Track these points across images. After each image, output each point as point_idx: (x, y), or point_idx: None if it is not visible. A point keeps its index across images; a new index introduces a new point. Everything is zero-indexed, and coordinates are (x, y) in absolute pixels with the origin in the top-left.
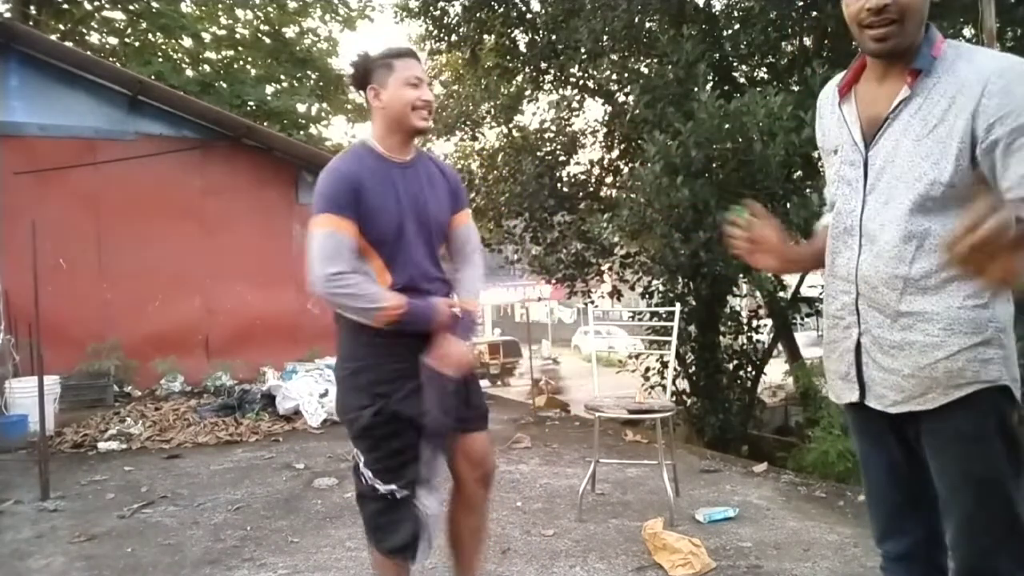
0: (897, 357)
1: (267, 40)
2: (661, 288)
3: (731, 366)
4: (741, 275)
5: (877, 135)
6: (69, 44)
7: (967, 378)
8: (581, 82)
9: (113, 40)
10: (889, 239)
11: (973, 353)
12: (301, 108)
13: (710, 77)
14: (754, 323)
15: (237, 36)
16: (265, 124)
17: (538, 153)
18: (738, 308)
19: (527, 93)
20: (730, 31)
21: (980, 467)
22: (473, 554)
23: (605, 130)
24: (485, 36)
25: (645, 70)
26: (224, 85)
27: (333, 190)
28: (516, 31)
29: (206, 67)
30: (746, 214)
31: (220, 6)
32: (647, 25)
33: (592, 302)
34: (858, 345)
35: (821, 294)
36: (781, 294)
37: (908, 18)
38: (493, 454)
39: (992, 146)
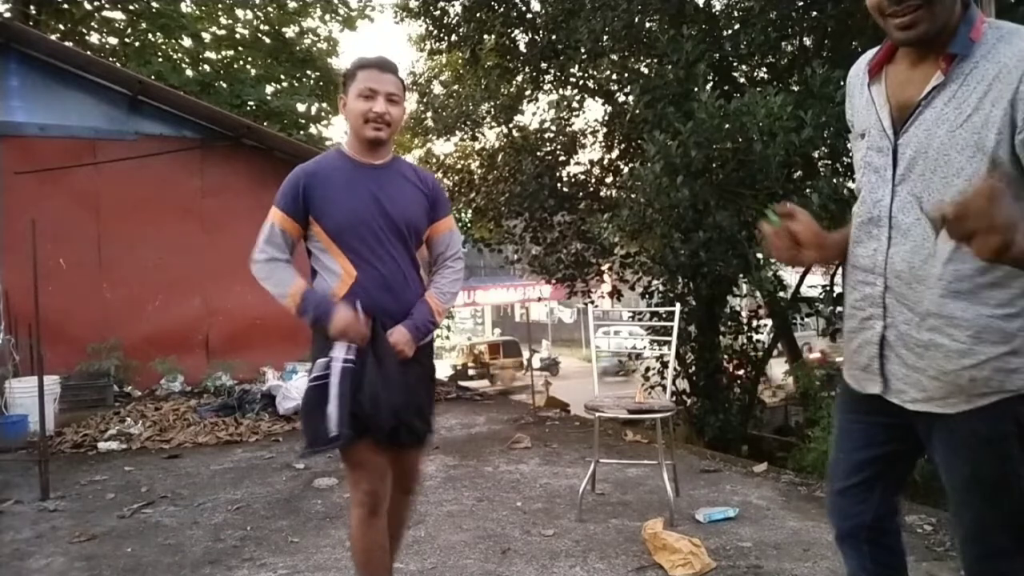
0: (923, 357)
1: (267, 40)
2: (661, 288)
3: (731, 366)
4: (741, 275)
5: (908, 122)
6: (69, 44)
7: (992, 387)
8: (581, 82)
9: (113, 40)
10: (926, 236)
11: (1000, 363)
12: (301, 108)
13: (710, 77)
14: (754, 323)
15: (237, 36)
16: (265, 124)
17: (538, 153)
18: (738, 308)
19: (527, 93)
20: (730, 31)
21: (994, 469)
22: (397, 537)
23: (605, 130)
24: (485, 36)
25: (645, 70)
26: (224, 85)
27: (284, 187)
28: (516, 31)
29: (206, 67)
30: (776, 218)
31: (220, 6)
32: (647, 25)
33: (592, 302)
34: (882, 339)
35: (821, 294)
36: (781, 294)
37: (935, 2)
38: (420, 469)
39: None
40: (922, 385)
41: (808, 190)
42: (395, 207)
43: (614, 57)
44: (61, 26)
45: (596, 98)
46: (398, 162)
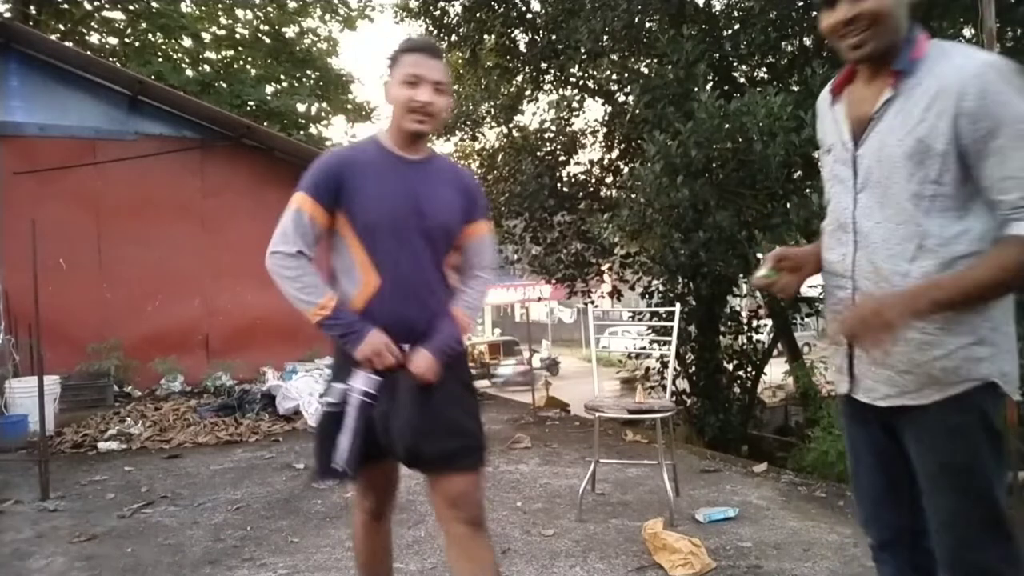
0: (893, 354)
1: (267, 40)
2: (661, 288)
3: (731, 366)
4: (741, 275)
5: (864, 134)
6: (69, 44)
7: (961, 376)
8: (581, 82)
9: (113, 40)
10: (886, 237)
11: (968, 352)
12: (301, 108)
13: (710, 77)
14: (754, 323)
15: (237, 36)
16: (265, 124)
17: (538, 153)
18: (738, 308)
19: (527, 93)
20: (730, 31)
21: (962, 458)
22: None
23: (605, 130)
24: (485, 36)
25: (645, 70)
26: (224, 85)
27: (315, 171)
28: (516, 31)
29: (206, 67)
30: (773, 272)
31: (220, 6)
32: (647, 25)
33: (592, 302)
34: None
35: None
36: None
37: (880, 22)
38: (477, 496)
39: (971, 146)
40: (894, 380)
41: (808, 190)
42: (431, 208)
43: (614, 57)
44: (61, 26)
45: (596, 98)
46: (437, 158)
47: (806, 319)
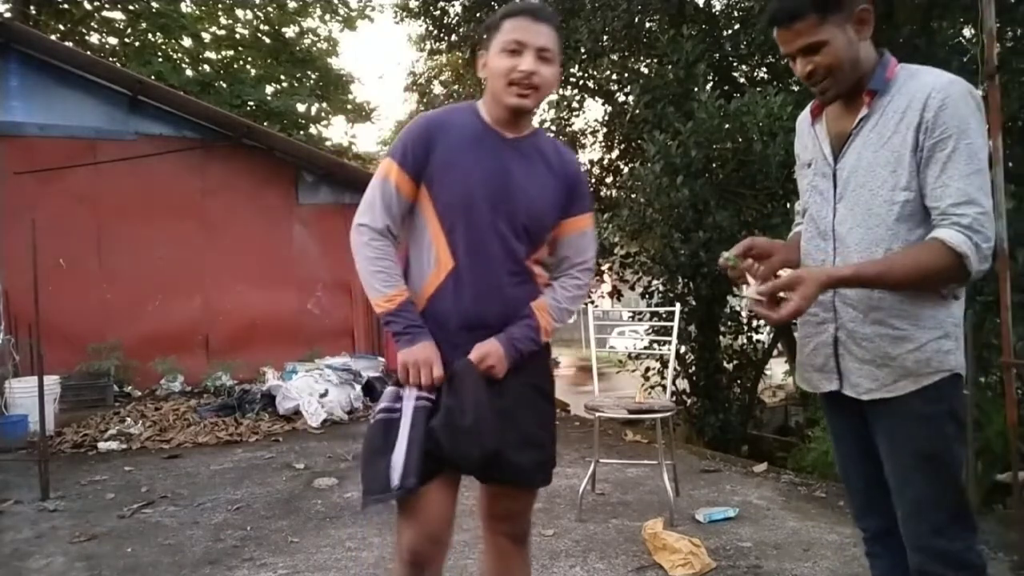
0: (868, 349)
1: (267, 40)
2: (661, 288)
3: (731, 366)
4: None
5: (843, 149)
6: (69, 44)
7: (932, 367)
8: (581, 82)
9: (113, 40)
10: (859, 241)
11: (937, 345)
12: (301, 108)
13: (710, 77)
14: (754, 323)
15: (237, 36)
16: (265, 124)
17: None
18: (738, 308)
19: None
20: (730, 31)
21: (932, 447)
22: None
23: (605, 130)
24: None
25: (645, 70)
26: (224, 85)
27: (405, 136)
28: None
29: (206, 67)
30: (733, 258)
31: (220, 6)
32: (647, 25)
33: (592, 302)
34: (835, 339)
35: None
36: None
37: (836, 71)
38: (531, 512)
39: (924, 153)
40: (874, 375)
41: None
42: (524, 194)
43: (614, 57)
44: (61, 26)
45: (596, 98)
46: (539, 137)
47: None
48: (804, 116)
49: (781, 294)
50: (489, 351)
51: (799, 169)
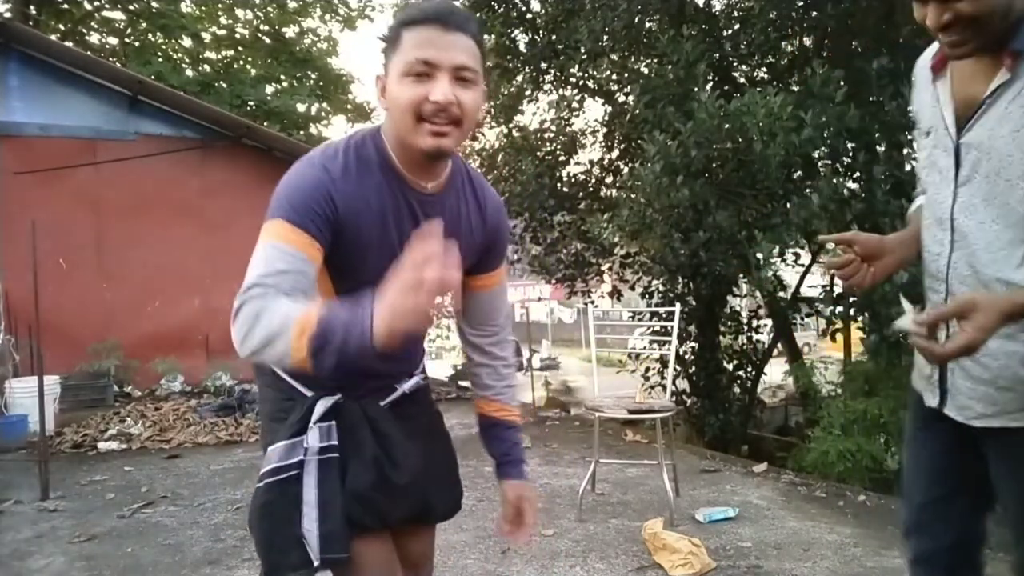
0: (989, 367)
1: (267, 40)
2: (661, 288)
3: (731, 366)
4: (741, 275)
5: (972, 120)
6: (69, 44)
7: None
8: (581, 82)
9: (113, 40)
10: (990, 240)
11: None
12: (301, 108)
13: (710, 77)
14: (754, 323)
15: (237, 36)
16: (265, 124)
17: (538, 153)
18: (738, 308)
19: (527, 93)
20: (730, 31)
21: None
22: None
23: (605, 130)
24: (485, 36)
25: (645, 70)
26: (224, 85)
27: (302, 196)
28: (516, 31)
29: (206, 67)
30: (837, 249)
31: (220, 6)
32: (647, 25)
33: (592, 302)
34: None
35: (821, 294)
36: (781, 294)
37: (979, 23)
38: (432, 556)
39: None
40: (993, 398)
41: (808, 190)
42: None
43: (614, 57)
44: (61, 26)
45: (596, 98)
46: (457, 183)
47: (806, 319)
48: (923, 66)
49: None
50: (531, 497)
51: (918, 137)
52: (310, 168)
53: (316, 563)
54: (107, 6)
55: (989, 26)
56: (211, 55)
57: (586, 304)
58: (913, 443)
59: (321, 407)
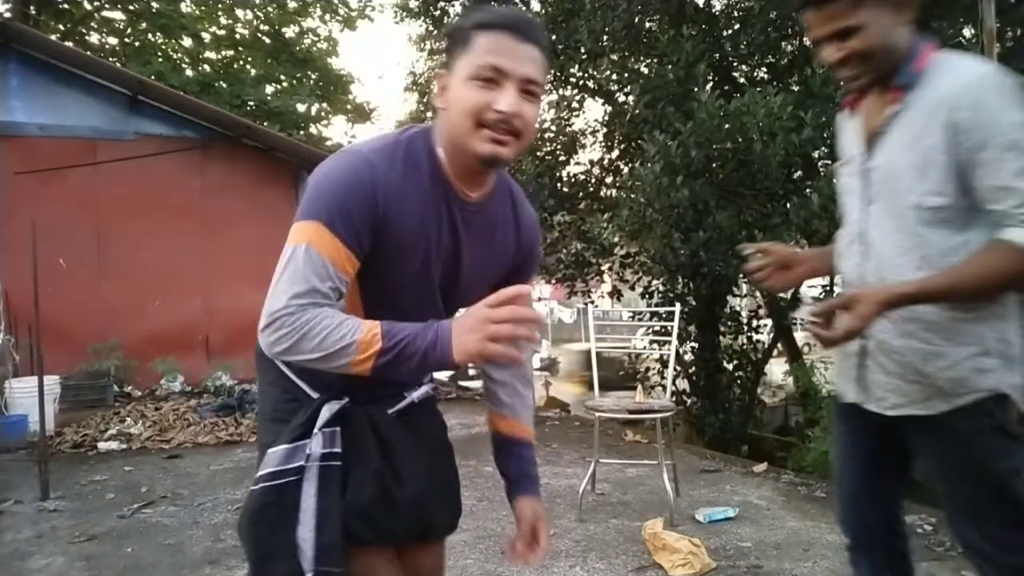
0: (899, 363)
1: (267, 40)
2: (661, 288)
3: (731, 366)
4: (741, 275)
5: (875, 147)
6: (69, 44)
7: (968, 387)
8: (581, 82)
9: (113, 40)
10: (891, 249)
11: (973, 363)
12: (301, 108)
13: (710, 77)
14: (754, 323)
15: (237, 36)
16: (265, 124)
17: (538, 153)
18: (738, 308)
19: None
20: (730, 31)
21: (977, 457)
22: None
23: (605, 130)
24: None
25: (645, 70)
26: (224, 85)
27: (345, 196)
28: None
29: (206, 67)
30: (753, 252)
31: (220, 6)
32: (647, 25)
33: (592, 302)
34: (863, 349)
35: (821, 294)
36: (781, 294)
37: (870, 57)
38: (443, 571)
39: (965, 157)
40: (903, 390)
41: (808, 190)
42: (470, 274)
43: (614, 57)
44: (61, 26)
45: (596, 98)
46: (499, 197)
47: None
48: (844, 110)
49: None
50: (544, 516)
51: (839, 169)
52: (355, 161)
53: (308, 574)
54: (107, 6)
55: (878, 60)
56: (211, 55)
57: (586, 304)
58: (840, 438)
59: (327, 412)
